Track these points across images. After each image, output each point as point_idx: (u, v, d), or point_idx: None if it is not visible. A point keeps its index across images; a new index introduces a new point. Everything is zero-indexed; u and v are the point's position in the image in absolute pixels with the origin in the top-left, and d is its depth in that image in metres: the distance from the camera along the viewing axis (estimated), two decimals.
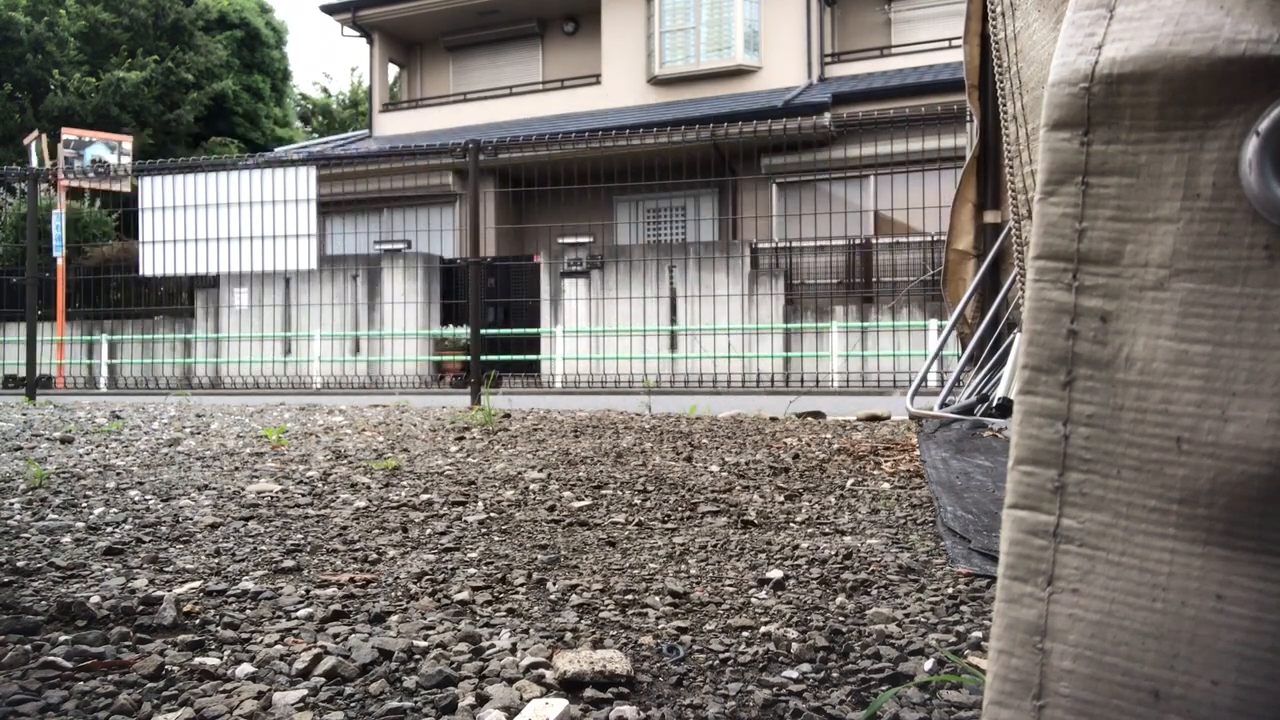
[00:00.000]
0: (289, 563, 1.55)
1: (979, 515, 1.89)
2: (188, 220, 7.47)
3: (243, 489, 2.40)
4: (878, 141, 10.25)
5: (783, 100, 13.63)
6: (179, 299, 13.37)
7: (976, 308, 4.33)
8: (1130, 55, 0.52)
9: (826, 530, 1.86)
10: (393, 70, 19.20)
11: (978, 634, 1.18)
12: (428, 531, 1.83)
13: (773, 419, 4.62)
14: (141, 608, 1.27)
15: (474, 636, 1.15)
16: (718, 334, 10.70)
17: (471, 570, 1.51)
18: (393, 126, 18.02)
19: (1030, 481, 0.56)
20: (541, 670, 1.03)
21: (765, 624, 1.22)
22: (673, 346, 11.04)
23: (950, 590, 1.39)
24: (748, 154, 13.16)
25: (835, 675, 1.04)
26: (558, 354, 11.32)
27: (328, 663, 1.04)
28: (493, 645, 1.12)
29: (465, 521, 1.93)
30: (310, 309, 12.20)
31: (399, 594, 1.36)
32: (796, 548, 1.68)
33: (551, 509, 2.08)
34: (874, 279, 11.02)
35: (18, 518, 1.98)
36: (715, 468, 2.75)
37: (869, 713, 0.92)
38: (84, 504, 2.16)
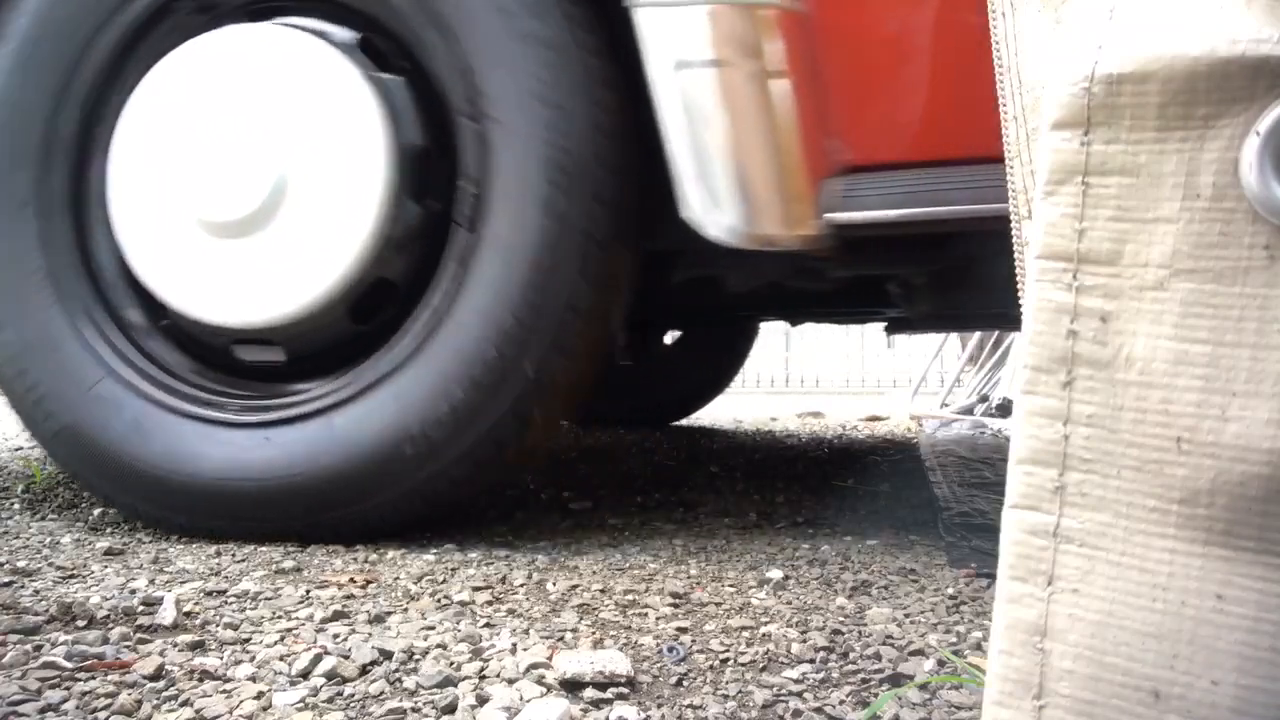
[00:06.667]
0: (289, 563, 1.55)
1: (979, 515, 1.89)
2: None
3: None
4: None
5: None
6: None
7: None
8: (1130, 55, 0.52)
9: (826, 530, 1.86)
10: None
11: (978, 634, 1.18)
12: (427, 531, 1.83)
13: (773, 419, 4.62)
14: (141, 608, 1.27)
15: (474, 637, 1.15)
16: None
17: (471, 570, 1.51)
18: None
19: (1030, 481, 0.56)
20: (541, 670, 1.03)
21: (765, 624, 1.22)
22: None
23: (950, 590, 1.39)
24: None
25: (835, 675, 1.04)
26: None
27: (328, 663, 1.04)
28: (493, 645, 1.12)
29: (464, 521, 1.93)
30: None
31: (399, 594, 1.36)
32: (797, 548, 1.69)
33: (551, 509, 2.08)
34: None
35: (17, 518, 1.98)
36: (715, 468, 2.75)
37: (869, 713, 0.92)
38: (84, 504, 2.16)
